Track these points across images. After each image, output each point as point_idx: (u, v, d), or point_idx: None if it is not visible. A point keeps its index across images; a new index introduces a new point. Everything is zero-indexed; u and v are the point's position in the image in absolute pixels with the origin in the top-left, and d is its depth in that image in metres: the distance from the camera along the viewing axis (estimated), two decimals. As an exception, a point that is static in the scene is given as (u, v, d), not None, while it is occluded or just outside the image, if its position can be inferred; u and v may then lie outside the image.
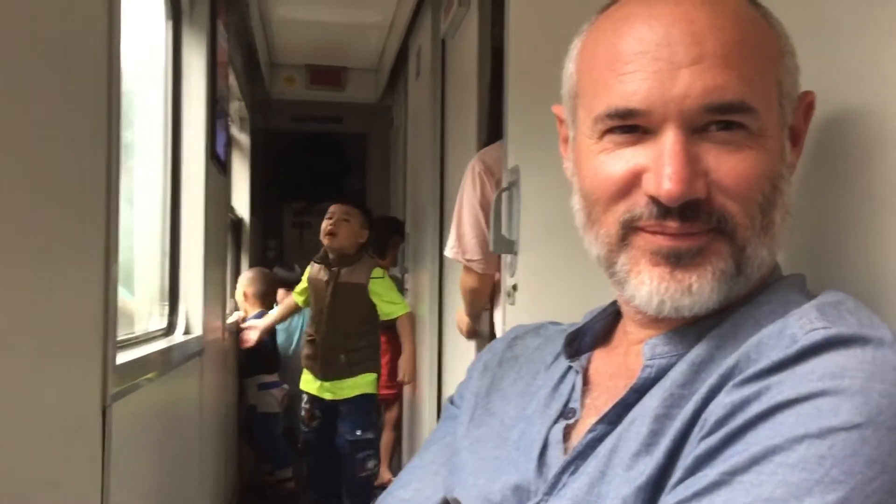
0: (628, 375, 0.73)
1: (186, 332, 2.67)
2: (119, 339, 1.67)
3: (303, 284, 3.78)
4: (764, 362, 0.60)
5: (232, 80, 3.80)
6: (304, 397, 3.64)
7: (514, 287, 1.93)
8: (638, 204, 0.68)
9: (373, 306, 3.59)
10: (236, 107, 4.61)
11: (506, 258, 2.00)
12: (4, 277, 1.01)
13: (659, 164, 0.66)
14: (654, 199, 0.67)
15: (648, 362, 0.70)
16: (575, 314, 0.92)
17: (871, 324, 0.61)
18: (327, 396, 3.56)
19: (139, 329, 2.37)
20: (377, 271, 3.60)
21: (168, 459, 2.23)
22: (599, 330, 0.82)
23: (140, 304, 2.46)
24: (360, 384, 3.57)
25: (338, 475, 3.67)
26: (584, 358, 0.80)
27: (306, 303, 3.78)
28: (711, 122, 0.66)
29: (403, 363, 3.76)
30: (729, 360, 0.64)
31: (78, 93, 1.31)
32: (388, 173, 5.93)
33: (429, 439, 0.91)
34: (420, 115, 4.06)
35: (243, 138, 5.03)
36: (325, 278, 3.53)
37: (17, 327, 1.05)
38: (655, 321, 0.72)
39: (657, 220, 0.67)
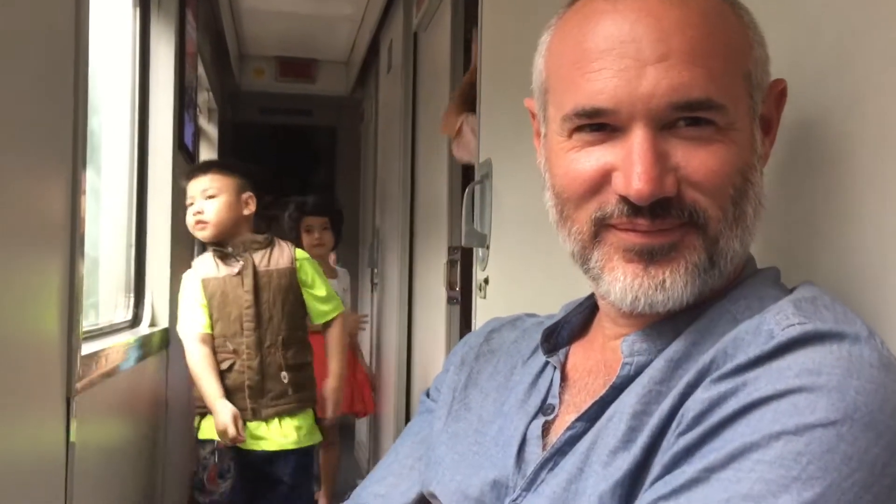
0: (606, 372, 0.73)
1: (152, 324, 2.63)
2: (83, 329, 1.64)
3: (195, 294, 2.49)
4: (741, 358, 0.60)
5: (200, 70, 3.75)
6: (206, 449, 2.46)
7: (486, 280, 1.92)
8: (609, 202, 0.68)
9: (303, 302, 2.62)
10: (205, 98, 4.55)
11: (477, 251, 1.99)
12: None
13: (628, 164, 0.66)
14: (624, 198, 0.67)
15: (627, 359, 0.70)
16: (546, 307, 0.92)
17: (846, 319, 0.61)
18: (255, 447, 2.44)
19: (104, 320, 2.33)
20: (300, 251, 2.65)
21: (133, 451, 2.20)
22: (577, 324, 0.82)
23: (105, 296, 2.42)
24: (306, 426, 2.54)
25: None
26: (561, 353, 0.79)
27: (211, 325, 2.48)
28: (679, 118, 0.66)
29: (331, 389, 2.65)
30: (706, 356, 0.64)
31: (44, 78, 1.28)
32: (358, 167, 5.90)
33: (404, 433, 0.90)
34: (391, 109, 4.04)
35: (211, 130, 4.98)
36: (235, 271, 2.48)
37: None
38: (631, 317, 0.72)
39: (628, 218, 0.67)
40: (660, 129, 0.66)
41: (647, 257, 0.68)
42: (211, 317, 2.48)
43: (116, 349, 1.89)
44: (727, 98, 0.66)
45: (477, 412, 0.81)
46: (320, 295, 2.63)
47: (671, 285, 0.67)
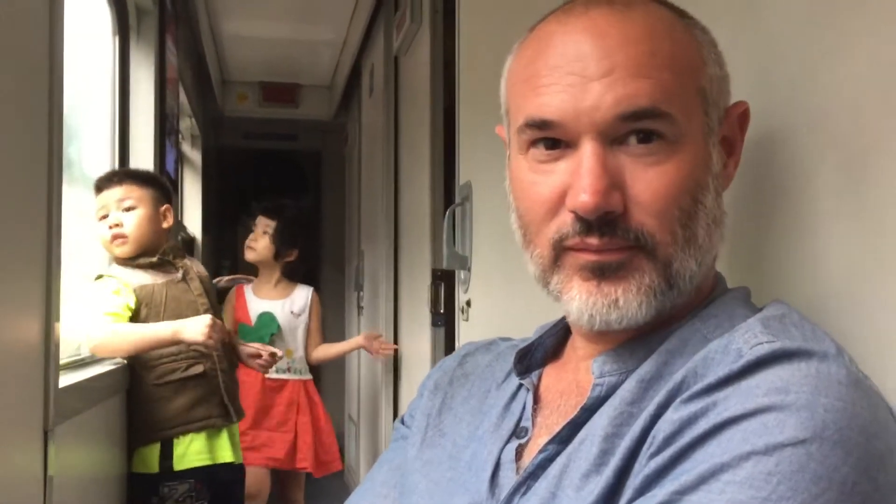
0: (578, 392, 0.73)
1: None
2: (62, 361, 1.62)
3: (120, 302, 2.17)
4: (710, 378, 0.59)
5: (182, 96, 3.76)
6: (181, 487, 2.16)
7: (468, 302, 1.92)
8: (565, 223, 0.68)
9: None
10: (187, 124, 4.55)
11: (459, 274, 1.99)
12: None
13: (577, 178, 0.67)
14: (576, 216, 0.67)
15: (598, 380, 0.69)
16: (528, 328, 0.92)
17: (814, 337, 0.61)
18: (227, 459, 2.28)
19: (84, 351, 2.30)
20: None
21: (113, 484, 2.17)
22: (550, 346, 0.81)
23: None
24: None
25: None
26: (534, 375, 0.79)
27: None
28: (630, 132, 0.67)
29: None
30: (676, 376, 0.63)
31: (16, 105, 1.28)
32: (343, 190, 5.91)
33: (379, 461, 0.89)
34: (374, 132, 4.05)
35: (195, 156, 4.97)
36: (179, 277, 2.30)
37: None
38: (602, 336, 0.72)
39: (581, 238, 0.67)
40: (610, 145, 0.67)
41: (599, 274, 0.68)
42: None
43: (95, 381, 1.87)
44: (676, 108, 0.67)
45: (451, 437, 0.80)
46: None
47: (624, 304, 0.67)
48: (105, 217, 2.23)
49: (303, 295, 3.25)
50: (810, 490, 0.52)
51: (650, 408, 0.63)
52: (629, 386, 0.67)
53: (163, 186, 2.38)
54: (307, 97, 5.58)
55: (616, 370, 0.70)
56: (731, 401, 0.57)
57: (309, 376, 3.22)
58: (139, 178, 2.32)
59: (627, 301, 0.67)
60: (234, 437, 2.34)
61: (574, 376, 0.76)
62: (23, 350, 1.31)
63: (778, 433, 0.54)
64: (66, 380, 1.61)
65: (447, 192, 2.81)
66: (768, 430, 0.54)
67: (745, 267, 0.85)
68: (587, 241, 0.67)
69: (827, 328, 0.64)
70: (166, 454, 2.15)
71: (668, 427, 0.59)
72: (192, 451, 2.17)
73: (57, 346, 1.44)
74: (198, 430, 2.19)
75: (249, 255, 3.26)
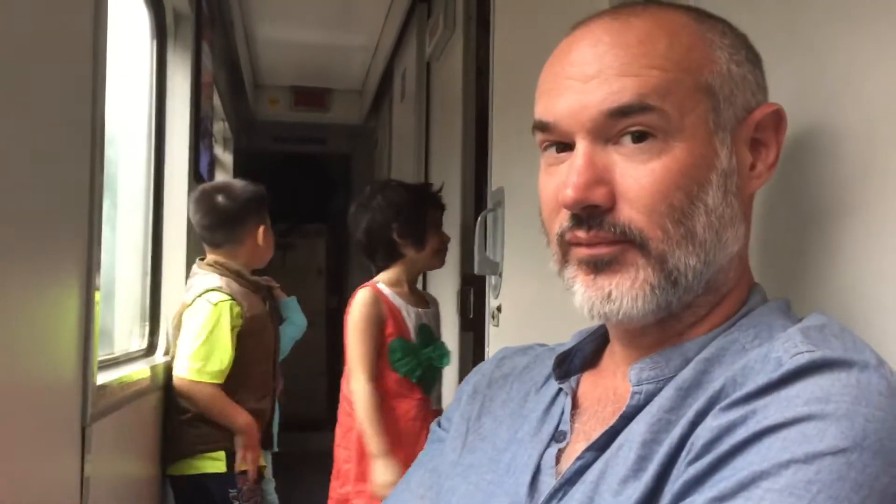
0: (615, 399, 0.73)
1: (167, 353, 2.64)
2: (99, 358, 1.65)
3: (223, 324, 2.28)
4: (749, 386, 0.60)
5: (216, 100, 3.80)
6: (245, 482, 2.34)
7: (499, 308, 1.93)
8: (564, 219, 0.71)
9: None
10: (220, 127, 4.60)
11: (490, 279, 2.00)
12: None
13: (567, 175, 0.69)
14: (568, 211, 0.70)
15: (636, 388, 0.70)
16: (559, 334, 0.92)
17: (855, 347, 0.61)
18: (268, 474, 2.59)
19: (118, 349, 2.34)
20: None
21: (149, 481, 2.20)
22: (588, 352, 0.82)
23: (120, 324, 2.44)
24: None
25: None
26: (573, 380, 0.80)
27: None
28: (624, 132, 0.68)
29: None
30: (715, 384, 0.64)
31: (61, 107, 1.30)
32: (372, 194, 5.93)
33: (415, 463, 0.90)
34: (404, 136, 4.07)
35: (227, 158, 5.02)
36: (268, 309, 2.51)
37: (-4, 346, 1.03)
38: (637, 337, 0.73)
39: (572, 232, 0.70)
40: (604, 144, 0.69)
41: (594, 268, 0.70)
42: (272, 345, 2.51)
43: (131, 378, 1.90)
44: (667, 104, 0.67)
45: (491, 440, 0.81)
46: None
47: (617, 297, 0.69)
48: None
49: (435, 302, 2.47)
50: (851, 499, 0.52)
51: (689, 415, 0.63)
52: (667, 394, 0.67)
53: None
54: (338, 101, 5.63)
55: (653, 377, 0.70)
56: (771, 409, 0.57)
57: None
58: None
59: (621, 294, 0.69)
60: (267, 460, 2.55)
61: (611, 382, 0.76)
62: (62, 348, 1.33)
63: (818, 442, 0.54)
64: (103, 377, 1.64)
65: (477, 197, 2.82)
66: (808, 439, 0.54)
67: (781, 276, 0.85)
68: (577, 234, 0.70)
69: (867, 340, 0.64)
70: (232, 459, 2.36)
71: (707, 434, 0.59)
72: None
73: (95, 344, 1.47)
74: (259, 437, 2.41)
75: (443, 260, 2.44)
